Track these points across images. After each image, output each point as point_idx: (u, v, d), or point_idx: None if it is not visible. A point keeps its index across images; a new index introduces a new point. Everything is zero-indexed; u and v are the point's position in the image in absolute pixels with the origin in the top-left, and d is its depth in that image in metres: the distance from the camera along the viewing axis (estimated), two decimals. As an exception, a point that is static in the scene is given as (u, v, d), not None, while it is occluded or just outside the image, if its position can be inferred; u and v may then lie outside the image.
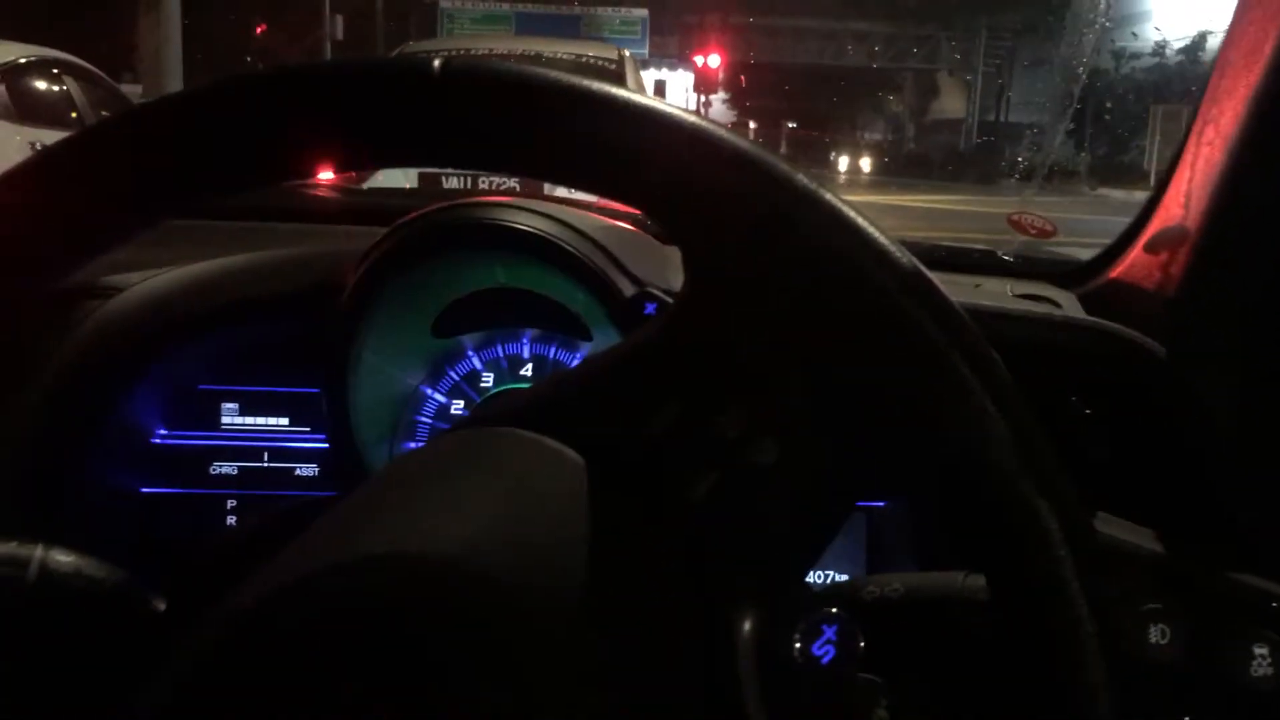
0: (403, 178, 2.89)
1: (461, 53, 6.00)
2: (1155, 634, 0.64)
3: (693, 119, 0.42)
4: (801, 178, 0.42)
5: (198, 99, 0.43)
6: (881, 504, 0.91)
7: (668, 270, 0.88)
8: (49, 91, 6.99)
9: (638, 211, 0.51)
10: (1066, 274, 1.11)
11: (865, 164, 28.34)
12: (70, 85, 7.09)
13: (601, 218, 0.94)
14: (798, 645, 0.52)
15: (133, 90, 11.63)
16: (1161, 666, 0.64)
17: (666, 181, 0.43)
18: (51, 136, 6.38)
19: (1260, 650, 0.63)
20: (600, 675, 0.41)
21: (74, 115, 7.03)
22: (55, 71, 7.06)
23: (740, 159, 0.42)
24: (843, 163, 29.09)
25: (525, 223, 0.84)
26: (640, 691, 0.42)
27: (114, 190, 0.43)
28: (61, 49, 7.21)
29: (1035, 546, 0.41)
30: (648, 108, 0.42)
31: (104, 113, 7.26)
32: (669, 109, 0.43)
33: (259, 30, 21.76)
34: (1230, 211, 0.77)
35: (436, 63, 0.42)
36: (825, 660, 0.53)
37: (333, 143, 0.43)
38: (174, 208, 0.44)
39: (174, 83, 16.35)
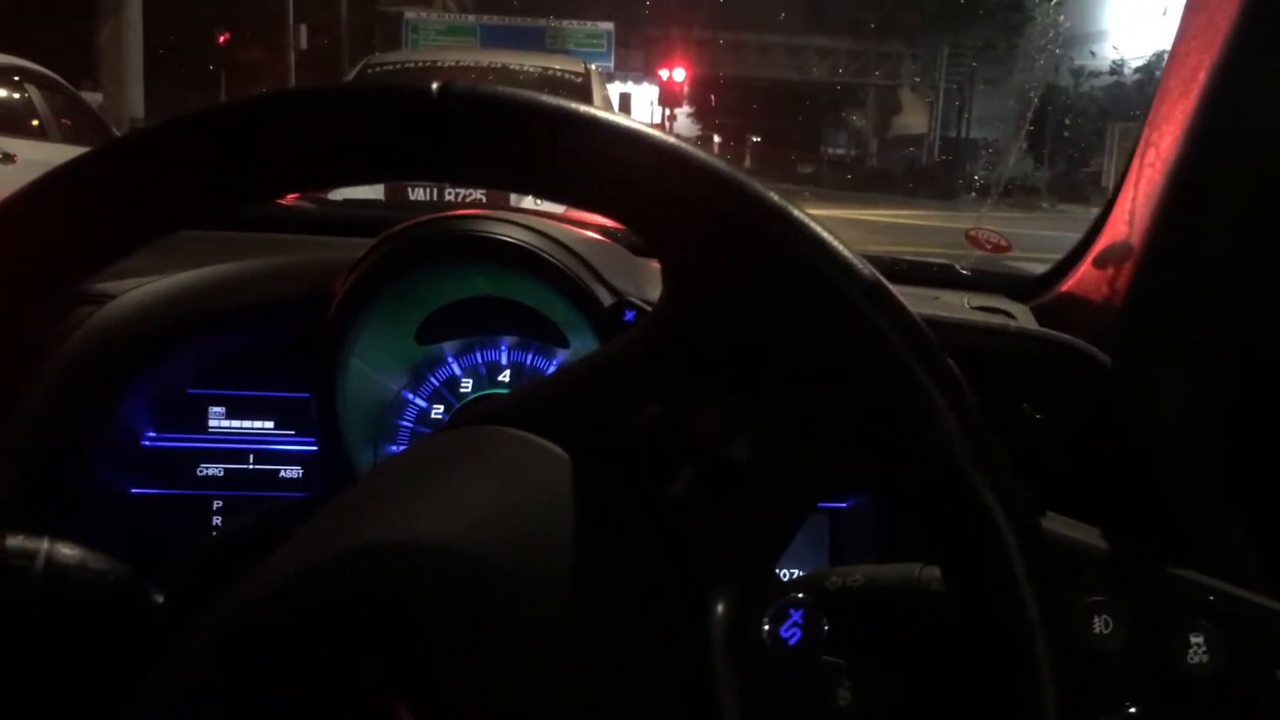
0: (370, 189, 2.89)
1: (427, 65, 5.96)
2: (1099, 625, 0.68)
3: (674, 141, 0.45)
4: (773, 196, 0.45)
5: (223, 115, 0.45)
6: (844, 504, 0.94)
7: (642, 280, 0.92)
8: (10, 99, 6.92)
9: (607, 222, 0.53)
10: (1021, 287, 1.16)
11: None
12: (32, 93, 7.03)
13: (574, 229, 0.97)
14: (766, 628, 0.56)
15: (93, 98, 11.49)
16: (1104, 655, 0.68)
17: (651, 200, 0.46)
18: (12, 144, 6.33)
19: (1196, 639, 0.67)
20: (588, 656, 0.43)
21: (35, 123, 6.97)
22: (16, 79, 6.99)
23: (718, 179, 0.45)
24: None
25: (510, 235, 0.87)
26: (623, 671, 0.45)
27: (138, 200, 0.45)
28: (22, 56, 7.14)
29: (985, 539, 0.44)
30: (633, 130, 0.45)
31: (65, 120, 7.22)
32: (653, 131, 0.45)
33: (221, 39, 21.54)
34: (1169, 230, 0.82)
35: (435, 86, 0.44)
36: (792, 642, 0.56)
37: (342, 160, 0.46)
38: (192, 219, 0.46)
39: (135, 90, 16.17)
